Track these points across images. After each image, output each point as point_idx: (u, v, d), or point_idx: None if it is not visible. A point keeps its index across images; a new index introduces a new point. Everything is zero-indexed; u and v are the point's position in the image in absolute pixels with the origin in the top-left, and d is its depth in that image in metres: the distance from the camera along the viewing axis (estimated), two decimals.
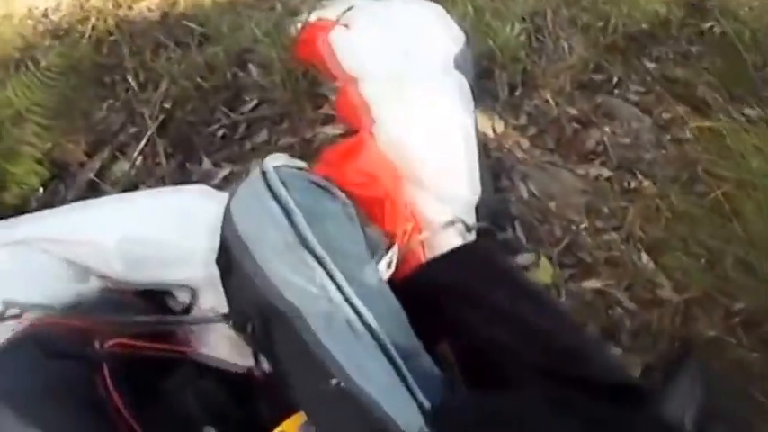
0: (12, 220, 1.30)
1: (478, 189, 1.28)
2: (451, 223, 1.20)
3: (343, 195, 1.02)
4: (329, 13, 1.57)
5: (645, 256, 1.50)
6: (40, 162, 1.74)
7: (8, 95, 1.73)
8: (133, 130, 1.87)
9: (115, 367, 0.99)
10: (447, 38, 1.47)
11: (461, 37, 1.48)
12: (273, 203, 0.92)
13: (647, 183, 1.63)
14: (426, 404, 0.83)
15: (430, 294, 0.97)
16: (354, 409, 0.81)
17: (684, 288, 1.46)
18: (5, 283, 1.10)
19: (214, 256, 1.08)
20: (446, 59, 1.42)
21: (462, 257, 1.11)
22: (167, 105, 1.87)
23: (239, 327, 0.97)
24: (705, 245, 1.51)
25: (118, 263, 1.15)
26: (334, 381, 0.82)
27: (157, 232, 1.18)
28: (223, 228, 0.97)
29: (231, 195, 0.99)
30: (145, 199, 1.32)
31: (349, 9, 1.54)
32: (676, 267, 1.48)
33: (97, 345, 1.00)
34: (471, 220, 1.24)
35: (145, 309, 1.19)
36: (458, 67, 1.41)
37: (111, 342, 1.02)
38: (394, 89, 1.33)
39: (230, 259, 0.93)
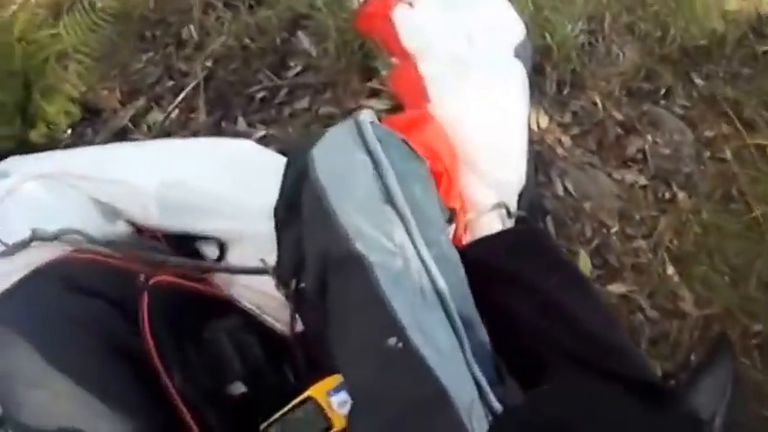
0: (42, 153, 1.35)
1: (524, 177, 1.35)
2: (497, 206, 1.24)
3: (427, 161, 1.04)
4: None
5: (671, 267, 1.57)
6: (73, 102, 1.79)
7: (59, 32, 1.78)
8: (170, 83, 1.92)
9: (154, 305, 1.03)
10: (509, 27, 1.53)
11: (522, 28, 1.54)
12: (365, 156, 0.93)
13: (681, 195, 1.70)
14: (480, 377, 0.83)
15: (476, 273, 0.97)
16: (408, 372, 0.81)
17: (706, 303, 1.54)
18: (34, 212, 1.14)
19: (252, 210, 1.13)
20: (507, 47, 1.47)
21: (516, 240, 1.12)
22: (209, 63, 1.91)
23: (284, 281, 0.99)
24: (731, 263, 1.59)
25: (154, 207, 1.19)
26: (392, 340, 0.81)
27: (199, 180, 1.21)
28: (297, 174, 0.97)
29: (314, 143, 0.98)
30: (189, 145, 1.38)
31: None
32: (700, 282, 1.56)
33: (142, 278, 1.04)
34: (513, 207, 1.29)
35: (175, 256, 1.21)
36: (517, 56, 1.47)
37: (155, 279, 1.06)
38: (454, 70, 1.38)
39: (297, 206, 0.95)
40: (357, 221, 0.86)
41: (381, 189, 0.90)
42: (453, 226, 1.10)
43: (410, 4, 1.56)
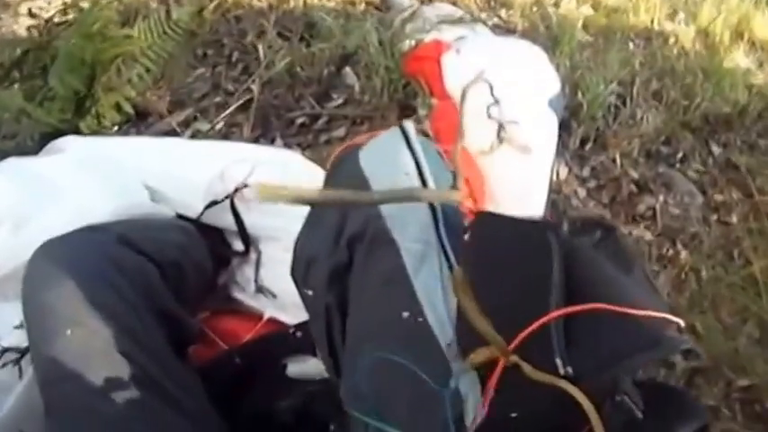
0: (98, 137, 1.60)
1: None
2: None
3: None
4: (444, 37, 1.95)
5: None
6: (127, 101, 2.04)
7: (133, 35, 2.07)
8: (216, 99, 2.22)
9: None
10: (546, 79, 1.81)
11: (558, 82, 1.82)
12: (408, 156, 1.10)
13: (684, 253, 1.99)
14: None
15: None
16: (419, 344, 0.97)
17: (695, 356, 1.78)
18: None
19: (293, 212, 1.25)
20: (543, 98, 1.76)
21: None
22: (256, 85, 2.21)
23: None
24: (724, 319, 1.85)
25: (201, 201, 1.41)
26: (408, 314, 0.98)
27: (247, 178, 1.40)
28: (339, 169, 1.17)
29: (360, 147, 1.15)
30: (242, 148, 1.62)
31: (462, 38, 1.93)
32: (692, 335, 1.80)
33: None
34: None
35: (207, 246, 1.41)
36: (551, 107, 1.75)
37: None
38: (491, 114, 1.64)
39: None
40: (393, 209, 1.05)
41: (421, 185, 1.08)
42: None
43: (458, 51, 1.84)
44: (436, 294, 1.02)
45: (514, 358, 0.88)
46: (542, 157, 1.71)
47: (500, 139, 1.62)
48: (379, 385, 0.99)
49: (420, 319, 0.99)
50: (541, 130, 1.73)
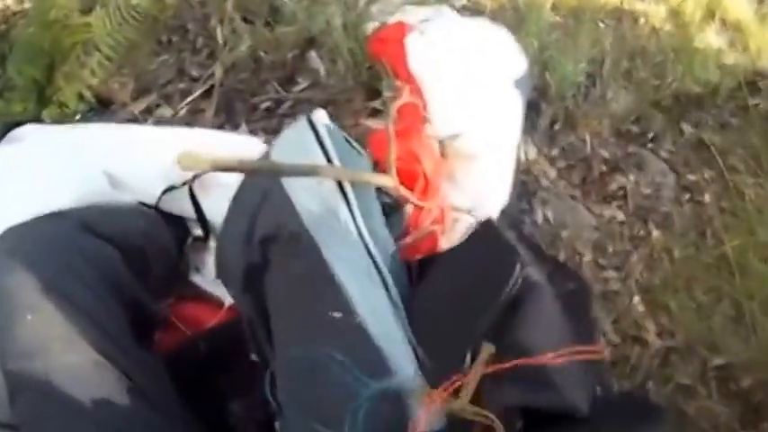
0: (60, 125, 1.61)
1: (506, 196, 1.65)
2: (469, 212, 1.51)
3: (368, 156, 1.27)
4: (409, 19, 1.93)
5: (637, 298, 1.84)
6: (89, 89, 2.02)
7: (91, 21, 2.03)
8: (180, 86, 2.19)
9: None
10: (511, 61, 1.82)
11: (524, 64, 1.83)
12: (315, 145, 1.13)
13: (656, 233, 1.98)
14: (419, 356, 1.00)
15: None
16: (353, 341, 0.97)
17: (668, 335, 1.80)
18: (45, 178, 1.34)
19: None
20: (508, 78, 1.76)
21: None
22: (220, 70, 2.18)
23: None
24: (698, 299, 1.85)
25: (159, 188, 1.41)
26: (338, 313, 0.98)
27: None
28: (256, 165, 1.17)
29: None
30: (201, 134, 1.63)
31: (427, 19, 1.92)
32: (665, 314, 1.82)
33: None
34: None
35: (169, 231, 1.44)
36: (517, 87, 1.76)
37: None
38: (454, 94, 1.67)
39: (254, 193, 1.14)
40: (308, 203, 1.07)
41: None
42: (408, 212, 1.36)
43: (422, 32, 1.83)
44: (370, 294, 1.03)
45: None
46: (508, 137, 1.72)
47: (443, 155, 1.61)
48: (315, 386, 0.99)
49: (356, 320, 0.99)
50: (506, 112, 1.73)
